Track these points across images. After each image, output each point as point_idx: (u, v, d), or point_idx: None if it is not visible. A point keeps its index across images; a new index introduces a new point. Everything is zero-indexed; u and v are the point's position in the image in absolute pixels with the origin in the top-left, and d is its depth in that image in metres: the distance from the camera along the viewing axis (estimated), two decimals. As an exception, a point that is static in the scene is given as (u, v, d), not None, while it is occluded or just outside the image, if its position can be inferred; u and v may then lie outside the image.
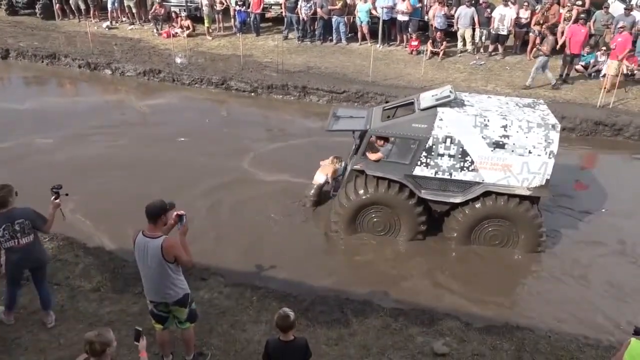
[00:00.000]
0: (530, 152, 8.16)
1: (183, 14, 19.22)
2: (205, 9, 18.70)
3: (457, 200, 8.60)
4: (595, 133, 13.40)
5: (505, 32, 16.64)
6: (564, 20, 16.28)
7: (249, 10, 18.81)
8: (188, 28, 18.97)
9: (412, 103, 8.96)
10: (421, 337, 6.85)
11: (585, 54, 15.43)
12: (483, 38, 17.28)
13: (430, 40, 17.13)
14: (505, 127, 8.16)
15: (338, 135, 10.20)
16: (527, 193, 8.39)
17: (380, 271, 8.52)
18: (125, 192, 10.17)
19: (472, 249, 8.96)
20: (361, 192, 8.78)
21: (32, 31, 19.82)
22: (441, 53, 17.01)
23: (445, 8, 17.01)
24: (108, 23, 20.17)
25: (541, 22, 16.31)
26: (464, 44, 17.49)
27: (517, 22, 16.63)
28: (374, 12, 17.56)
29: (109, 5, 20.15)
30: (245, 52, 17.22)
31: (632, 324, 7.41)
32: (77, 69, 17.27)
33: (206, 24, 19.02)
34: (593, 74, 15.47)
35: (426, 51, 16.80)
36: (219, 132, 13.30)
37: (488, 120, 8.20)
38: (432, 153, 8.35)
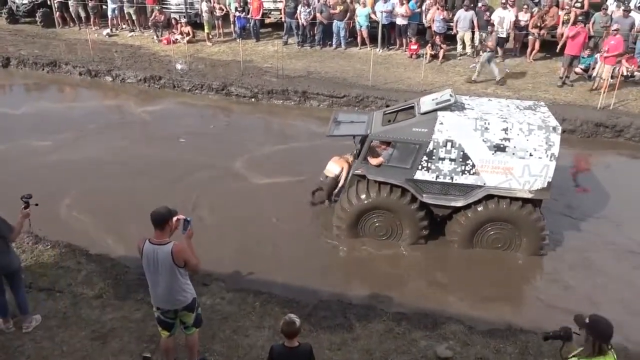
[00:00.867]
0: (531, 155, 8.16)
1: (183, 20, 19.27)
2: (205, 15, 18.77)
3: (459, 204, 8.59)
4: (596, 135, 13.41)
5: (504, 35, 16.67)
6: (563, 22, 16.31)
7: (248, 16, 18.87)
8: (188, 34, 19.02)
9: (413, 107, 8.96)
10: (424, 341, 6.84)
11: (584, 56, 15.45)
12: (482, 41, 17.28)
13: (430, 44, 17.17)
14: (506, 130, 8.16)
15: (340, 139, 10.23)
16: (529, 196, 8.38)
17: (382, 275, 8.51)
18: (123, 190, 10.43)
19: (475, 253, 8.94)
20: (363, 196, 8.78)
21: (33, 39, 19.89)
22: (441, 56, 17.05)
23: (445, 12, 17.06)
24: (108, 30, 20.24)
25: (540, 24, 16.34)
26: (464, 47, 17.53)
27: (516, 25, 16.67)
28: (373, 16, 17.61)
29: (109, 13, 20.24)
30: (245, 57, 17.26)
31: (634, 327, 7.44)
32: (77, 76, 17.33)
33: (206, 30, 19.09)
34: (593, 76, 15.49)
35: (426, 55, 16.84)
36: (220, 136, 13.36)
37: (489, 124, 8.20)
38: (433, 157, 8.35)
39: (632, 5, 16.67)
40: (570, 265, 8.81)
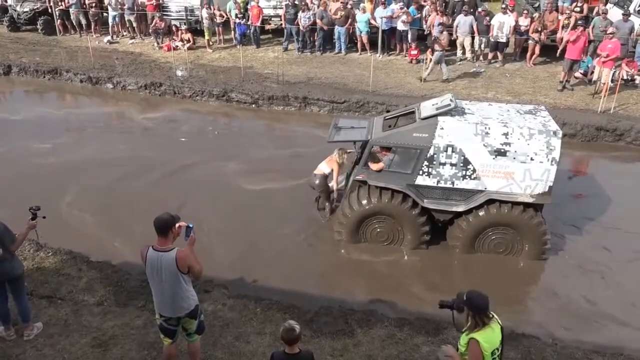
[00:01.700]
0: (532, 159, 8.16)
1: (183, 27, 19.34)
2: (206, 22, 18.83)
3: (460, 208, 8.59)
4: (597, 139, 13.40)
5: (504, 40, 16.71)
6: (563, 27, 16.35)
7: (248, 22, 18.93)
8: (188, 41, 19.09)
9: (413, 112, 8.97)
10: (426, 347, 6.81)
11: (584, 60, 15.47)
12: (482, 46, 17.35)
13: (430, 49, 17.18)
14: (506, 134, 8.16)
15: (340, 145, 10.23)
16: (530, 200, 8.37)
17: (384, 281, 8.49)
18: (123, 192, 10.67)
19: (476, 258, 8.92)
20: (364, 202, 8.78)
21: (34, 47, 19.97)
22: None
23: (444, 17, 17.10)
24: (109, 37, 20.32)
25: (540, 29, 16.38)
26: (464, 52, 17.57)
27: (516, 30, 16.71)
28: (372, 22, 17.66)
29: (110, 20, 20.32)
30: (246, 64, 17.30)
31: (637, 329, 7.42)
32: (78, 83, 17.37)
33: (206, 37, 19.14)
34: (593, 80, 15.50)
35: (426, 60, 16.87)
36: (222, 142, 13.40)
37: (489, 128, 8.20)
38: (434, 162, 8.35)
39: (631, 9, 16.71)
40: (572, 270, 8.79)
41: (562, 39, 15.81)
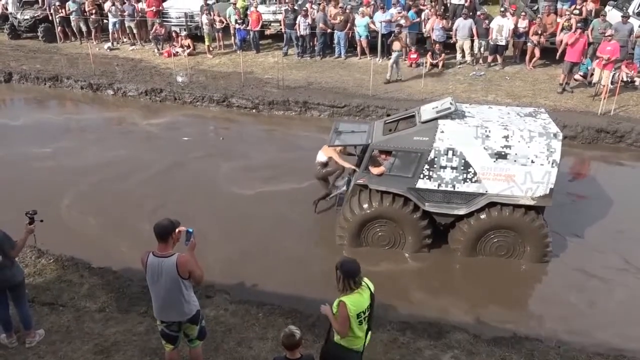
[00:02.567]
0: (532, 162, 8.15)
1: (183, 33, 19.39)
2: (206, 28, 18.89)
3: (461, 212, 8.58)
4: (597, 141, 13.40)
5: (503, 43, 16.73)
6: (562, 29, 16.37)
7: (248, 27, 18.98)
8: (189, 47, 19.14)
9: (413, 116, 8.97)
10: (429, 351, 6.80)
11: (583, 63, 15.49)
12: (482, 49, 17.38)
13: (429, 53, 17.24)
14: (506, 137, 8.16)
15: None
16: (532, 203, 8.36)
17: (386, 285, 8.43)
18: (123, 193, 10.80)
19: (478, 261, 8.91)
20: (365, 206, 8.77)
21: (35, 54, 20.03)
22: (440, 65, 17.11)
23: (443, 20, 17.14)
24: (109, 44, 20.38)
25: (539, 32, 16.40)
26: (463, 56, 17.60)
27: (515, 32, 16.74)
28: (372, 26, 17.69)
29: (110, 27, 20.38)
30: (246, 69, 17.33)
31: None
32: (79, 90, 17.42)
33: (206, 43, 19.20)
34: (593, 83, 15.50)
35: (425, 63, 16.89)
36: (225, 146, 13.42)
37: (489, 131, 8.20)
38: (435, 165, 8.35)
39: (630, 11, 16.74)
40: (574, 272, 8.76)
41: (561, 42, 15.83)
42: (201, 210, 10.28)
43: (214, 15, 19.08)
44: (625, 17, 15.73)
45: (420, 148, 8.34)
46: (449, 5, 18.85)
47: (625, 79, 15.03)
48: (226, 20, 19.23)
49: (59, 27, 20.96)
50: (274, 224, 9.91)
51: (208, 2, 19.30)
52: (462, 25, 16.87)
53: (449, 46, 17.77)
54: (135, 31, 20.35)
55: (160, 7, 20.19)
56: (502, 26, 16.44)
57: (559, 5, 17.89)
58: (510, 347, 6.93)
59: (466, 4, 18.04)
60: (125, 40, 20.91)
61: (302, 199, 10.43)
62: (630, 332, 7.49)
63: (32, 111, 16.45)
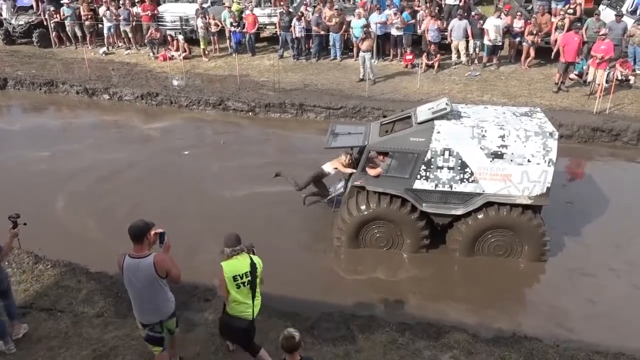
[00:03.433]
0: (529, 161, 8.17)
1: (179, 37, 19.38)
2: (201, 31, 18.87)
3: (459, 212, 8.59)
4: (593, 139, 13.44)
5: (498, 43, 16.77)
6: (556, 29, 16.43)
7: (243, 30, 18.99)
8: (184, 50, 19.14)
9: (410, 117, 8.99)
10: (428, 351, 6.80)
11: (579, 62, 15.54)
12: (477, 49, 17.42)
13: (425, 54, 17.27)
14: (503, 137, 8.18)
15: (338, 151, 10.23)
16: (529, 202, 8.38)
17: (384, 286, 8.48)
18: (123, 196, 10.83)
19: (476, 260, 8.92)
20: (363, 207, 8.78)
21: (30, 60, 19.97)
22: (436, 66, 17.15)
23: (438, 21, 17.18)
24: (105, 49, 20.36)
25: (535, 32, 16.45)
26: (458, 56, 17.63)
27: (510, 32, 16.77)
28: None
29: (105, 31, 20.33)
30: (242, 72, 17.32)
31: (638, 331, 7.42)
32: (75, 95, 17.38)
33: (202, 46, 19.19)
34: (588, 82, 15.56)
35: (421, 64, 16.92)
36: (222, 149, 13.43)
37: (485, 131, 8.22)
38: (431, 166, 8.36)
39: (624, 9, 16.81)
40: (572, 271, 8.79)
41: (556, 41, 15.88)
42: (199, 212, 10.28)
43: (209, 18, 19.09)
44: (619, 15, 15.81)
45: (417, 149, 8.36)
46: (443, 6, 18.90)
47: (619, 78, 15.08)
48: (221, 24, 19.25)
49: (54, 32, 20.91)
50: (271, 226, 9.89)
51: (203, 5, 19.30)
52: (457, 25, 16.91)
53: (444, 47, 17.80)
54: (130, 35, 20.32)
55: (155, 11, 20.16)
56: (498, 27, 16.46)
57: (553, 5, 17.94)
58: (509, 347, 6.95)
59: (461, 5, 18.10)
60: (120, 44, 20.87)
61: (300, 201, 10.39)
62: (628, 330, 7.51)
63: (27, 116, 16.40)
